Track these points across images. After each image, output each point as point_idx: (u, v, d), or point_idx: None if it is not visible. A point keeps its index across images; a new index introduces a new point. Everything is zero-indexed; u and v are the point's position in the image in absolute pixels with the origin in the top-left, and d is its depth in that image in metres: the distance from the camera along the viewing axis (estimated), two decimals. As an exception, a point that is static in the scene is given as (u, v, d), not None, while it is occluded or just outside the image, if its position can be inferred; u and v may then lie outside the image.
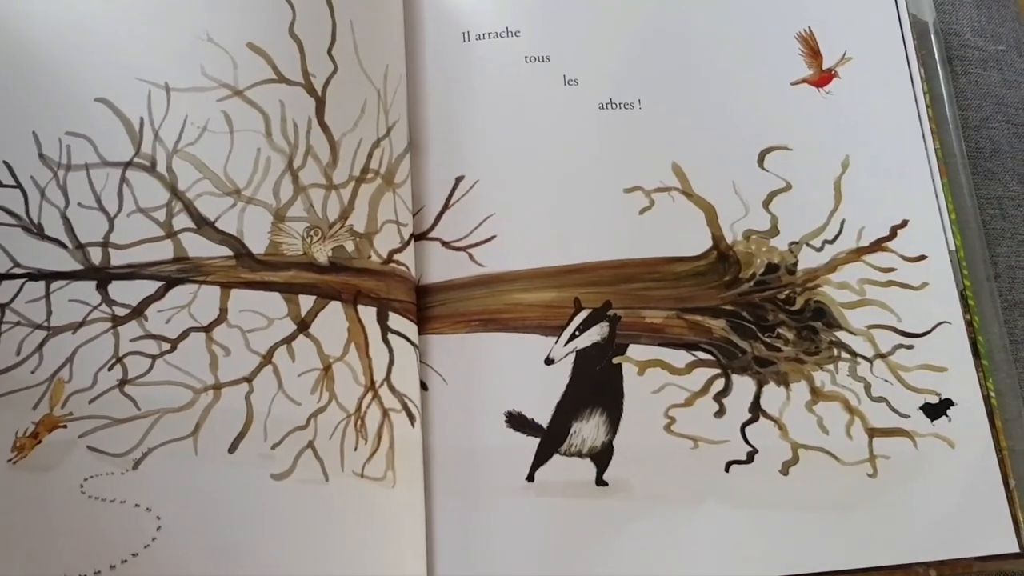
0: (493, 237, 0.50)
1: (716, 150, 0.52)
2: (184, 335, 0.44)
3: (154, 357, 0.43)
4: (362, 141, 0.48)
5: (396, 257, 0.48)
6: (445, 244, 0.50)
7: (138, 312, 0.44)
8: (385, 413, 0.45)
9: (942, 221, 0.52)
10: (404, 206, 0.49)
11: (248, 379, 0.44)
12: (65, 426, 0.42)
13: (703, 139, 0.52)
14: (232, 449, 0.43)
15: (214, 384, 0.43)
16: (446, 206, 0.50)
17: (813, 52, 0.54)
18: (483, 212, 0.50)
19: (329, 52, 0.48)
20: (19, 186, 0.44)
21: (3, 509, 0.41)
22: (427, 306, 0.49)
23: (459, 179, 0.51)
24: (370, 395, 0.45)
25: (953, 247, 0.51)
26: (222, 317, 0.44)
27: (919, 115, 0.54)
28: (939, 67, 0.56)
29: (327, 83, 0.47)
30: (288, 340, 0.45)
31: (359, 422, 0.45)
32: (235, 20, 0.47)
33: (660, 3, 0.54)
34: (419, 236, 0.50)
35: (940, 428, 0.48)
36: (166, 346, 0.43)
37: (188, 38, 0.46)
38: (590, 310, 0.49)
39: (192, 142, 0.45)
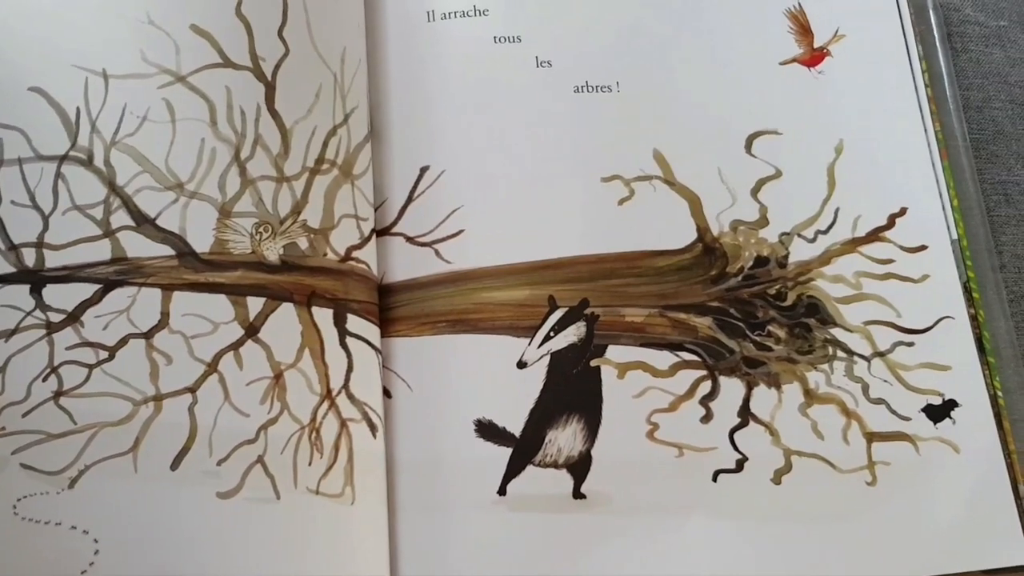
0: (461, 231, 0.47)
1: (700, 136, 0.49)
2: (123, 342, 0.41)
3: (91, 366, 0.40)
4: (316, 129, 0.45)
5: (355, 254, 0.44)
6: (409, 239, 0.47)
7: (74, 318, 0.41)
8: (343, 424, 0.42)
9: (943, 208, 0.49)
10: (364, 199, 0.46)
11: (192, 389, 0.41)
12: (-3, 442, 0.39)
13: (686, 124, 0.49)
14: (174, 466, 0.40)
15: (155, 395, 0.40)
16: (410, 199, 0.47)
17: (804, 29, 0.51)
18: (450, 205, 0.47)
19: (280, 33, 0.45)
20: (-53, 184, 0.41)
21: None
22: (390, 307, 0.46)
23: (424, 169, 0.47)
24: (326, 404, 0.42)
25: (955, 236, 0.49)
26: (164, 322, 0.41)
27: (917, 95, 0.51)
28: (938, 44, 0.53)
29: (278, 67, 0.44)
30: (235, 346, 0.41)
31: (314, 434, 0.41)
32: (178, 1, 0.44)
33: (638, -22, 0.51)
34: (381, 231, 0.47)
35: (944, 431, 0.45)
36: (103, 354, 0.40)
37: (128, 21, 0.43)
38: (566, 309, 0.46)
39: (131, 133, 0.42)
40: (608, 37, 0.50)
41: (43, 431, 0.39)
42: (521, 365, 0.45)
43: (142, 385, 0.40)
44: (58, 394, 0.40)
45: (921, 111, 0.50)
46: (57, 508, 0.39)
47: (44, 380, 0.40)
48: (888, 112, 0.50)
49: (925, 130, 0.50)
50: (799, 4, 0.51)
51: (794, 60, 0.50)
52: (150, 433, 0.40)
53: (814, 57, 0.51)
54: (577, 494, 0.43)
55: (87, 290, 0.41)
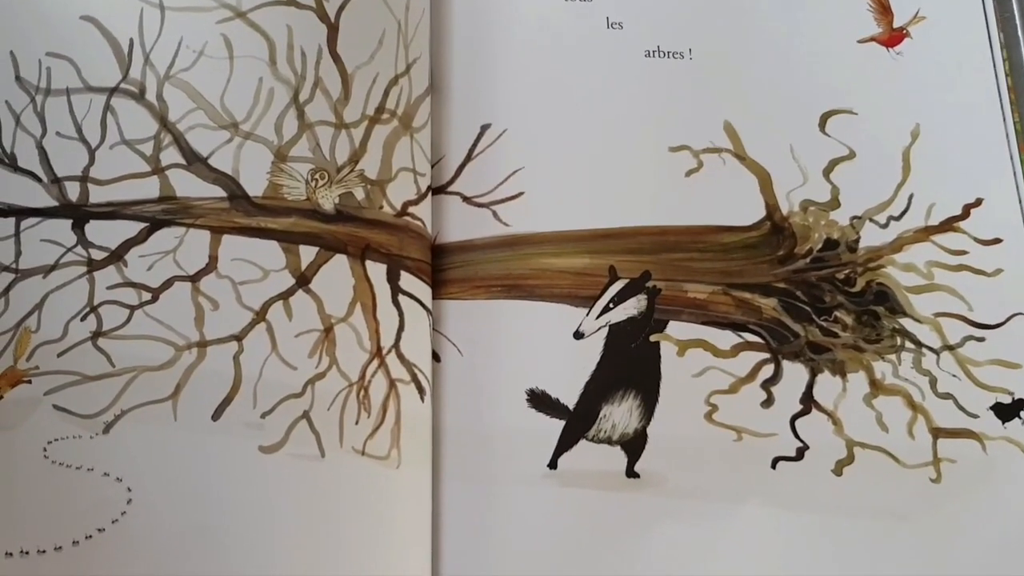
0: (520, 194, 0.45)
1: (773, 110, 0.47)
2: (167, 284, 0.39)
3: (132, 308, 0.39)
4: (378, 77, 0.43)
5: (411, 210, 0.43)
6: (466, 199, 0.45)
7: (117, 256, 0.39)
8: (392, 384, 0.40)
9: (1020, 201, 0.47)
10: (422, 153, 0.44)
11: (238, 337, 0.39)
12: (30, 381, 0.38)
13: (759, 97, 0.47)
14: (216, 416, 0.38)
15: (199, 341, 0.39)
16: (469, 157, 0.45)
17: (883, 8, 0.49)
18: (510, 166, 0.45)
19: (345, -26, 0.43)
20: (-9, 112, 0.40)
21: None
22: (443, 267, 0.44)
23: (485, 127, 0.46)
24: (376, 362, 0.40)
25: (1031, 231, 0.46)
26: (211, 266, 0.39)
27: (998, 84, 0.49)
28: (1020, 33, 0.50)
29: (341, 8, 0.43)
30: (285, 296, 0.40)
31: (362, 392, 0.40)
32: (241, -66, 0.42)
33: (718, -58, 0.49)
34: (437, 189, 0.45)
35: (1012, 431, 0.43)
36: (147, 296, 0.39)
37: (188, -49, 0.41)
38: (627, 280, 0.44)
39: (186, 68, 0.41)
40: (682, 2, 0.48)
41: (79, 372, 0.38)
42: (578, 336, 0.43)
43: (186, 330, 0.39)
44: (96, 335, 0.38)
45: (1001, 101, 0.48)
46: (90, 453, 0.37)
47: (82, 320, 0.38)
48: (967, 99, 0.48)
49: (1004, 120, 0.48)
50: (879, -18, 0.49)
51: (872, 39, 0.49)
52: (192, 380, 0.38)
53: (893, 37, 0.49)
54: (631, 472, 0.41)
55: (132, 228, 0.39)
